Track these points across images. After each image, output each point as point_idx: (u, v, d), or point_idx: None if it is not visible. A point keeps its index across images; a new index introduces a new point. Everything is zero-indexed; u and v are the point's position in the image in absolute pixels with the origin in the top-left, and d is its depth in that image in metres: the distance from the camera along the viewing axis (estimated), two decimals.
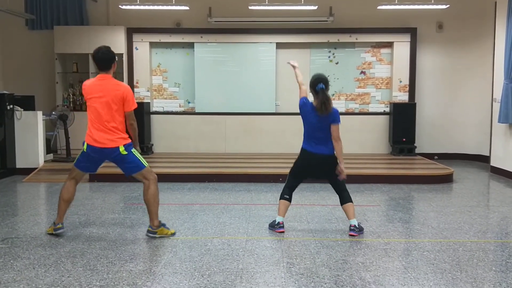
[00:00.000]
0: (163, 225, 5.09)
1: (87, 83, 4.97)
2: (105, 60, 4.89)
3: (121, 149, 4.82)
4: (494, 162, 9.16)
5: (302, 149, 5.22)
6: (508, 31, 8.38)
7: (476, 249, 4.73)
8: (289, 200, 5.26)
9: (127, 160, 4.89)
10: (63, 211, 5.10)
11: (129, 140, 4.93)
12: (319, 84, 5.03)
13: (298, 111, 5.23)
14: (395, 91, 10.51)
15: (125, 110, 4.89)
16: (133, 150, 4.94)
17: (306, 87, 5.26)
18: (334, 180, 5.22)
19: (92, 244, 4.81)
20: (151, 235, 5.01)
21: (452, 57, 10.61)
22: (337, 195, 5.28)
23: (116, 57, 5.07)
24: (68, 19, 10.69)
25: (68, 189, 5.07)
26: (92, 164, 5.03)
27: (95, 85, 4.89)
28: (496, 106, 8.87)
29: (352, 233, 5.11)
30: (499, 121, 8.68)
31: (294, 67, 5.55)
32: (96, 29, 10.38)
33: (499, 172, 8.91)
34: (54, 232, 5.04)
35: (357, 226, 5.14)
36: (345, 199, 5.19)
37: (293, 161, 5.35)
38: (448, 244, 4.88)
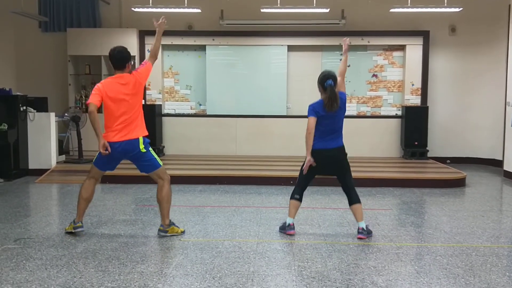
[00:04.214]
0: (173, 223, 5.18)
1: (103, 84, 4.95)
2: (120, 59, 4.96)
3: (141, 146, 4.91)
4: (507, 167, 9.07)
5: (313, 149, 5.18)
6: None
7: (489, 254, 4.68)
8: (300, 200, 5.23)
9: (145, 158, 5.00)
10: (83, 210, 5.17)
11: (147, 133, 5.02)
12: (328, 80, 5.02)
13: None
14: (407, 94, 10.45)
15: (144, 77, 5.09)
16: (151, 149, 5.06)
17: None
18: (343, 176, 5.20)
19: (104, 245, 4.83)
20: (163, 233, 5.09)
21: (465, 61, 10.54)
22: (346, 196, 5.24)
23: (131, 58, 5.13)
24: (81, 21, 10.77)
25: (87, 188, 5.13)
26: (110, 162, 5.08)
27: (113, 85, 4.90)
28: (510, 110, 8.80)
29: (360, 236, 5.08)
30: None
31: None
32: (109, 32, 10.44)
33: None
34: (73, 231, 5.11)
35: (365, 228, 5.11)
36: (353, 199, 5.15)
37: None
38: (461, 249, 4.84)
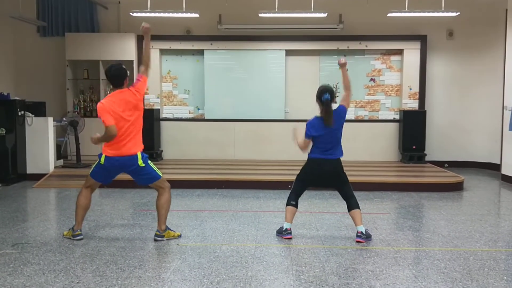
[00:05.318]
0: (168, 228, 5.23)
1: (104, 103, 4.86)
2: (117, 76, 4.98)
3: (140, 162, 4.93)
4: (505, 170, 9.08)
5: (309, 158, 5.23)
6: None
7: (487, 258, 4.68)
8: (296, 206, 5.26)
9: (145, 172, 5.03)
10: (81, 218, 5.20)
11: (143, 148, 5.03)
12: (325, 94, 5.05)
13: (307, 118, 5.27)
14: (405, 99, 10.47)
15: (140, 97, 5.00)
16: (150, 162, 5.09)
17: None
18: (341, 187, 5.24)
19: (102, 250, 4.83)
20: (159, 238, 5.12)
21: (462, 65, 10.57)
22: (346, 203, 5.28)
23: (128, 72, 5.14)
24: (79, 26, 10.78)
25: (85, 196, 5.18)
26: (107, 175, 5.12)
27: (115, 103, 4.86)
28: (507, 114, 8.81)
29: (359, 239, 5.10)
30: (510, 129, 8.63)
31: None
32: (107, 36, 10.45)
33: (510, 180, 8.83)
34: (72, 238, 5.16)
35: (364, 232, 5.13)
36: (352, 205, 5.19)
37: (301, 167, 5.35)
38: (459, 252, 4.84)
